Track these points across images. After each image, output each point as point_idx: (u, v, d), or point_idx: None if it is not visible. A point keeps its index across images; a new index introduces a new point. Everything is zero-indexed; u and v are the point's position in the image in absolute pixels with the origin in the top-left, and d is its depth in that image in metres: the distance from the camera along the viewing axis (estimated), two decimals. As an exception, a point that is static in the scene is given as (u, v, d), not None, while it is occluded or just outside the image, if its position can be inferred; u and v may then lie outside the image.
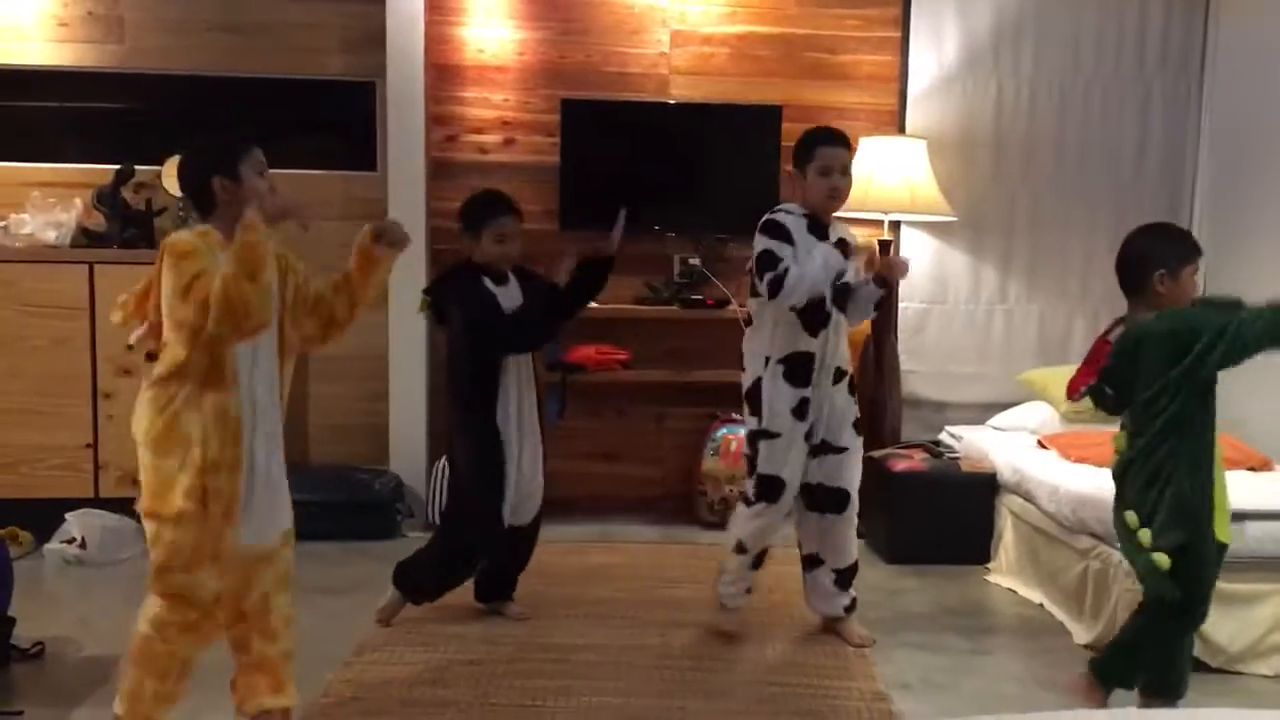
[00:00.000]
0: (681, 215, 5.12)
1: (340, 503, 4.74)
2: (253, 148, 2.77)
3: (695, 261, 5.12)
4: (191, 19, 5.02)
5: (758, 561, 3.67)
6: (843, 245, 3.48)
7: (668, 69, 5.20)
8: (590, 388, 5.13)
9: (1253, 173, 4.87)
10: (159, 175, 4.84)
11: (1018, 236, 5.30)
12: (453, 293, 3.66)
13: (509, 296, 3.65)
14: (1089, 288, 5.24)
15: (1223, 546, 2.93)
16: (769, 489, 3.51)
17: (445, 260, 4.71)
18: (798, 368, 3.45)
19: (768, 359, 3.48)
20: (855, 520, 3.64)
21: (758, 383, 3.50)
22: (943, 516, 4.58)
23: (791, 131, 5.10)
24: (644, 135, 5.18)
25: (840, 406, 3.54)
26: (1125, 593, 3.46)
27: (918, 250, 5.30)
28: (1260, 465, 4.19)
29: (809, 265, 3.32)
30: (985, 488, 4.60)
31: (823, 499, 3.56)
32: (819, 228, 3.45)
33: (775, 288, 3.32)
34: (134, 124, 5.16)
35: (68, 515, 4.48)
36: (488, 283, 3.64)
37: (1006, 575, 4.39)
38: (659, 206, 5.10)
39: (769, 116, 5.11)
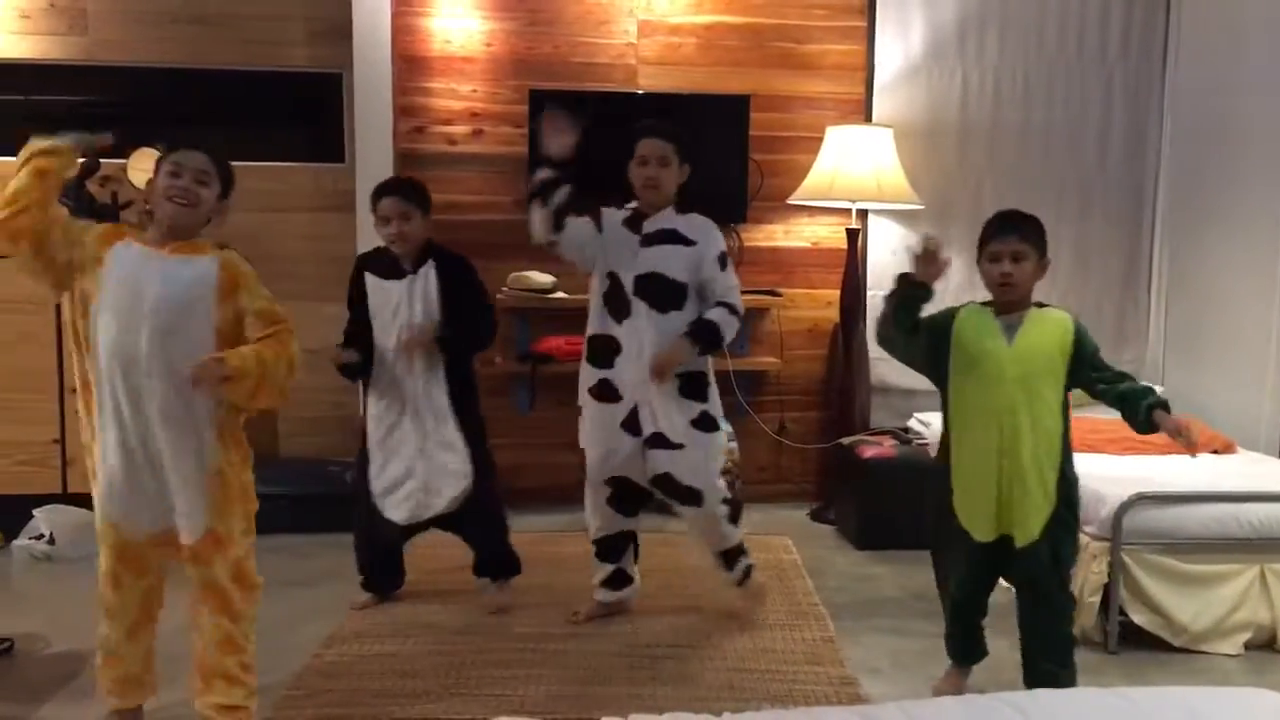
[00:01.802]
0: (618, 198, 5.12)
1: (311, 495, 4.73)
2: (180, 149, 2.80)
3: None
4: (155, 10, 4.98)
5: (608, 550, 3.70)
6: (672, 236, 3.46)
7: (635, 59, 5.21)
8: (559, 378, 5.11)
9: (1215, 158, 4.92)
10: (124, 169, 4.79)
11: (983, 223, 5.31)
12: None
13: (398, 291, 3.62)
14: (1054, 273, 5.22)
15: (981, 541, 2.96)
16: (584, 463, 3.59)
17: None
18: (599, 348, 3.50)
19: (585, 340, 3.58)
20: (720, 511, 3.57)
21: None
22: (911, 502, 4.56)
23: (760, 121, 5.15)
24: (612, 126, 5.16)
25: (665, 403, 3.46)
26: (1092, 575, 3.50)
27: (885, 238, 5.33)
28: (1223, 448, 4.25)
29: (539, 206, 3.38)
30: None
31: (676, 492, 3.51)
32: (635, 221, 3.49)
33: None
34: (98, 117, 5.10)
35: (35, 511, 4.46)
36: (369, 277, 3.67)
37: (974, 560, 4.42)
38: (627, 197, 5.09)
39: (737, 106, 5.13)
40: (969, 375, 2.93)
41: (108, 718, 2.81)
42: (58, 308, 4.55)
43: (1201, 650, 3.52)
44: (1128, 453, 4.08)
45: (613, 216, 3.53)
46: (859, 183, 4.89)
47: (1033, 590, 2.96)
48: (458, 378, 3.68)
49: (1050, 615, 2.96)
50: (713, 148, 5.11)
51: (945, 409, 3.07)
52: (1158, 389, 4.95)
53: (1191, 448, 2.80)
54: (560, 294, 5.03)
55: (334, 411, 5.12)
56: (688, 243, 3.46)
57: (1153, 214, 5.40)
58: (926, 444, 4.82)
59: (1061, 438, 2.92)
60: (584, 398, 3.58)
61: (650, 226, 3.48)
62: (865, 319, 5.24)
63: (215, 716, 2.81)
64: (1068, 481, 2.94)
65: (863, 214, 5.23)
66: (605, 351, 3.49)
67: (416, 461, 3.66)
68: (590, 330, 3.55)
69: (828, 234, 5.34)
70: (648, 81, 5.20)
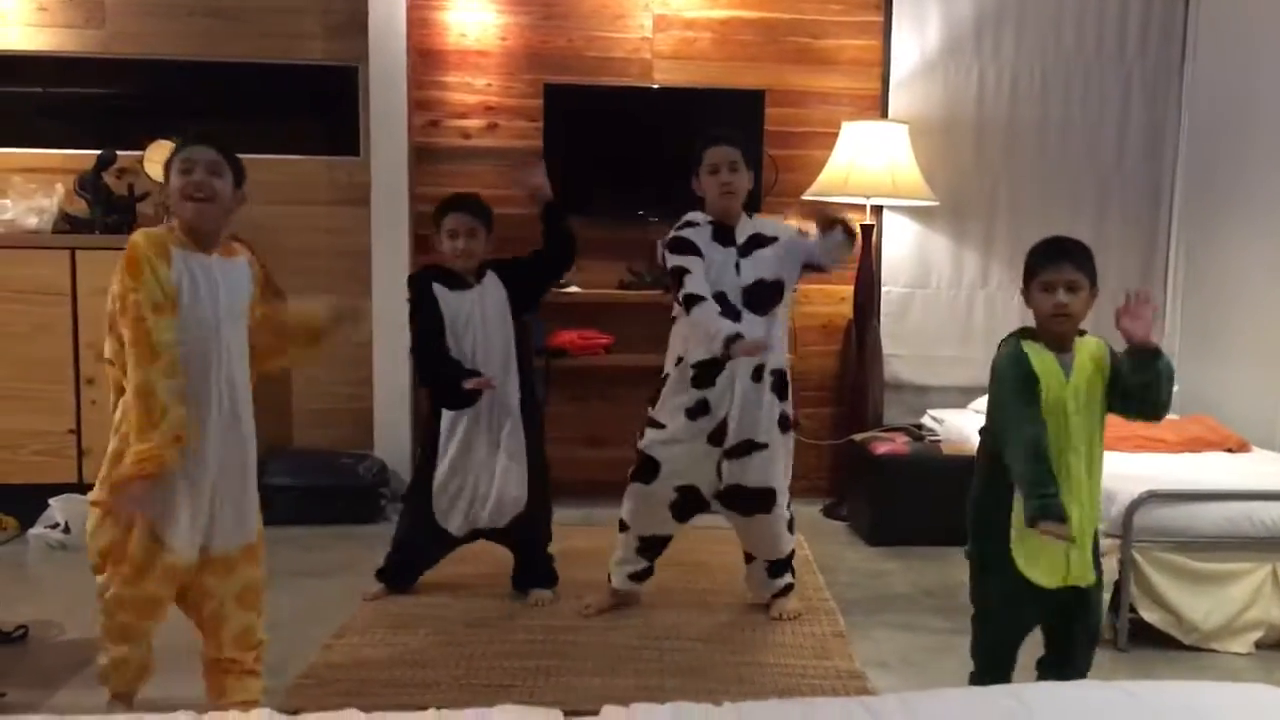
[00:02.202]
0: (664, 200, 5.12)
1: (324, 487, 4.76)
2: (186, 145, 2.72)
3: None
4: (171, 3, 5.02)
5: (648, 547, 3.69)
6: (759, 240, 3.48)
7: (650, 54, 5.21)
8: (574, 372, 5.14)
9: (1234, 155, 4.90)
10: (141, 160, 4.83)
11: (999, 220, 5.32)
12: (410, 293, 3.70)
13: (469, 301, 3.64)
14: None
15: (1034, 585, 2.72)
16: (643, 469, 3.56)
17: (428, 246, 4.72)
18: (704, 372, 3.46)
19: (680, 358, 3.51)
20: (785, 515, 3.62)
21: (666, 377, 3.57)
22: (924, 499, 4.59)
23: (775, 116, 5.15)
24: (627, 120, 5.18)
25: (755, 403, 3.46)
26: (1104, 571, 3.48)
27: (900, 234, 5.32)
28: (1237, 447, 4.23)
29: (707, 315, 3.30)
30: (966, 470, 4.53)
31: (747, 500, 3.53)
32: (724, 233, 3.47)
33: (687, 309, 3.37)
34: (115, 109, 5.15)
35: (51, 500, 4.49)
36: (437, 288, 3.65)
37: (986, 557, 4.41)
38: (642, 191, 5.11)
39: (752, 101, 5.12)
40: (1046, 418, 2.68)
41: (110, 704, 2.82)
42: (74, 299, 4.59)
43: (1212, 649, 3.51)
44: (1140, 450, 4.06)
45: (699, 236, 3.47)
46: (874, 178, 4.88)
47: (1091, 620, 2.80)
48: (525, 385, 3.73)
49: (1094, 638, 2.85)
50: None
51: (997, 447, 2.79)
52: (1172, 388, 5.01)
53: None
54: (574, 288, 5.04)
55: (347, 404, 5.15)
56: (773, 240, 3.48)
57: (1169, 211, 5.37)
58: (939, 440, 4.82)
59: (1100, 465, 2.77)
60: (669, 416, 3.52)
61: (741, 236, 3.47)
62: (879, 315, 5.25)
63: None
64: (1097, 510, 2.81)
65: (878, 210, 5.22)
66: (712, 373, 3.45)
67: (482, 473, 3.68)
68: (694, 357, 3.47)
69: (842, 230, 5.32)
70: (663, 76, 5.20)
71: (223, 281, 2.69)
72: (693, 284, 3.38)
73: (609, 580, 3.75)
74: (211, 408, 2.68)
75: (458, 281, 3.67)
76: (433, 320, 3.62)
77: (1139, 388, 2.64)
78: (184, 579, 2.73)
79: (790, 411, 3.60)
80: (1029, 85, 5.28)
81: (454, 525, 3.73)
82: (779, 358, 3.53)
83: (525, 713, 1.97)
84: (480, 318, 3.65)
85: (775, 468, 3.54)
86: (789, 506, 3.64)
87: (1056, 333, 2.70)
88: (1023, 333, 2.77)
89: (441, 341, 3.61)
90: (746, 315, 3.41)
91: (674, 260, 3.45)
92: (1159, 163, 5.35)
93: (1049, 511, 2.51)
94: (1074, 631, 2.81)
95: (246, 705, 2.76)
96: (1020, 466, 2.61)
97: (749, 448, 3.48)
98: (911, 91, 5.25)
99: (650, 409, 3.60)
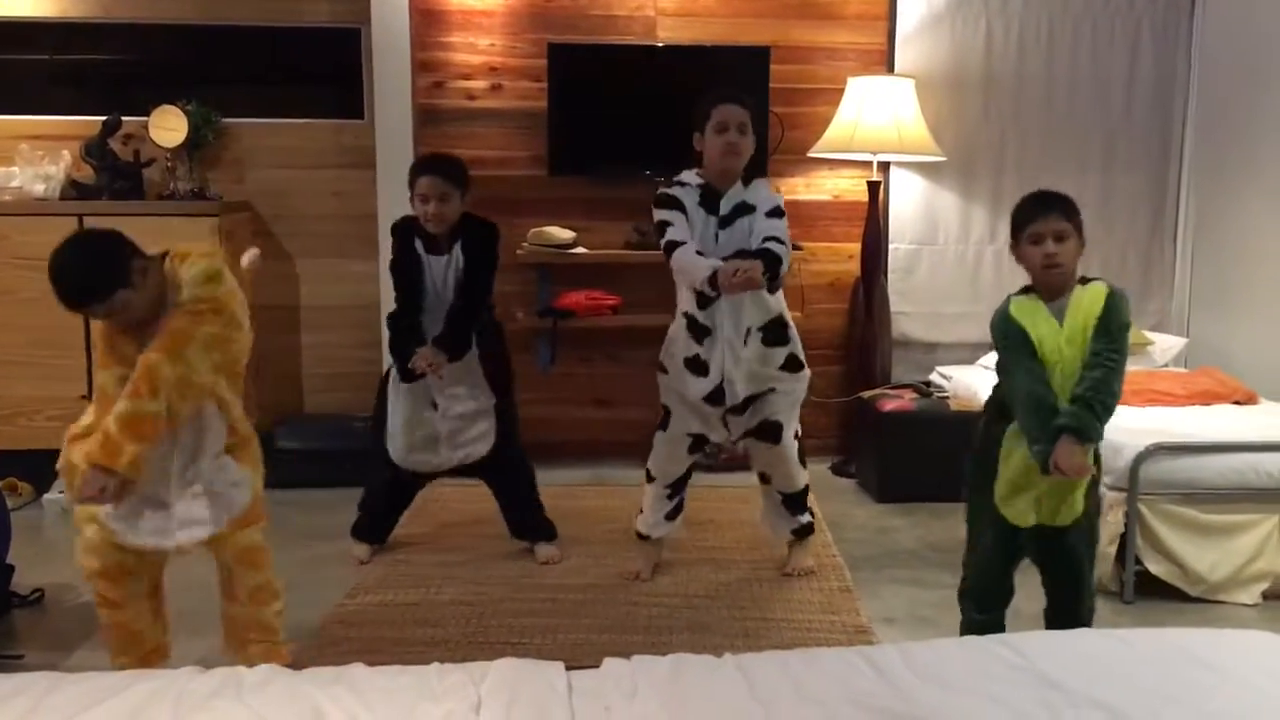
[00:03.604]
0: (670, 159, 5.09)
1: (334, 450, 4.79)
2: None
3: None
4: (176, -32, 5.00)
5: (674, 490, 3.71)
6: (742, 209, 3.43)
7: (654, 10, 5.17)
8: (581, 334, 5.15)
9: (1244, 107, 4.85)
10: (146, 126, 4.83)
11: (1007, 175, 5.28)
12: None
13: (440, 265, 3.64)
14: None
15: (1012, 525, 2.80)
16: (663, 418, 3.60)
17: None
18: (693, 327, 3.48)
19: (681, 312, 3.53)
20: (794, 449, 3.64)
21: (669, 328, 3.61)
22: (932, 455, 4.59)
23: (780, 73, 5.11)
24: (631, 79, 5.15)
25: (748, 361, 3.46)
26: (1108, 525, 3.49)
27: (907, 191, 5.30)
28: (1245, 399, 4.22)
29: (687, 257, 3.30)
30: (974, 427, 4.61)
31: (756, 430, 3.57)
32: (710, 199, 3.43)
33: (667, 255, 3.36)
34: (121, 75, 5.14)
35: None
36: (419, 245, 3.65)
37: (994, 512, 4.42)
38: (647, 151, 5.09)
39: (757, 58, 5.08)
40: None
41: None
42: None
43: (1219, 600, 3.52)
44: (1148, 404, 4.06)
45: (689, 199, 3.45)
46: (880, 134, 4.85)
47: (1073, 562, 2.82)
48: (486, 343, 3.73)
49: (1087, 578, 2.87)
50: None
51: (997, 400, 2.90)
52: (1182, 341, 4.99)
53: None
54: (580, 249, 5.04)
55: (358, 368, 5.17)
56: (753, 211, 3.43)
57: (1179, 164, 5.32)
58: (947, 397, 4.82)
59: None
60: (672, 364, 3.55)
61: (726, 206, 3.43)
62: (886, 272, 5.23)
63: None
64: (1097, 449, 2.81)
65: (884, 166, 5.19)
66: (698, 331, 3.46)
67: (438, 417, 3.70)
68: (684, 308, 3.50)
69: (849, 186, 5.31)
70: (667, 34, 5.17)
71: None
72: (673, 233, 3.36)
73: (643, 538, 3.75)
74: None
75: (433, 245, 3.66)
76: (415, 294, 3.63)
77: None
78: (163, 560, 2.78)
79: (798, 353, 3.59)
80: (1037, 38, 5.23)
81: (416, 464, 3.76)
82: (764, 314, 3.47)
83: (527, 665, 2.00)
84: (443, 283, 3.64)
85: (778, 403, 3.55)
86: (798, 440, 3.66)
87: (1050, 284, 2.74)
88: (1022, 291, 2.80)
89: (416, 319, 3.63)
90: None
91: (658, 214, 3.44)
92: (1168, 114, 5.29)
93: (1043, 464, 2.60)
94: (1053, 571, 2.86)
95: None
96: (1021, 420, 2.69)
97: (753, 400, 3.50)
98: (918, 46, 5.20)
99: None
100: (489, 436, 3.75)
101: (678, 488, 3.72)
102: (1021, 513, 2.77)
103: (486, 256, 3.68)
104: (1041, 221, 2.71)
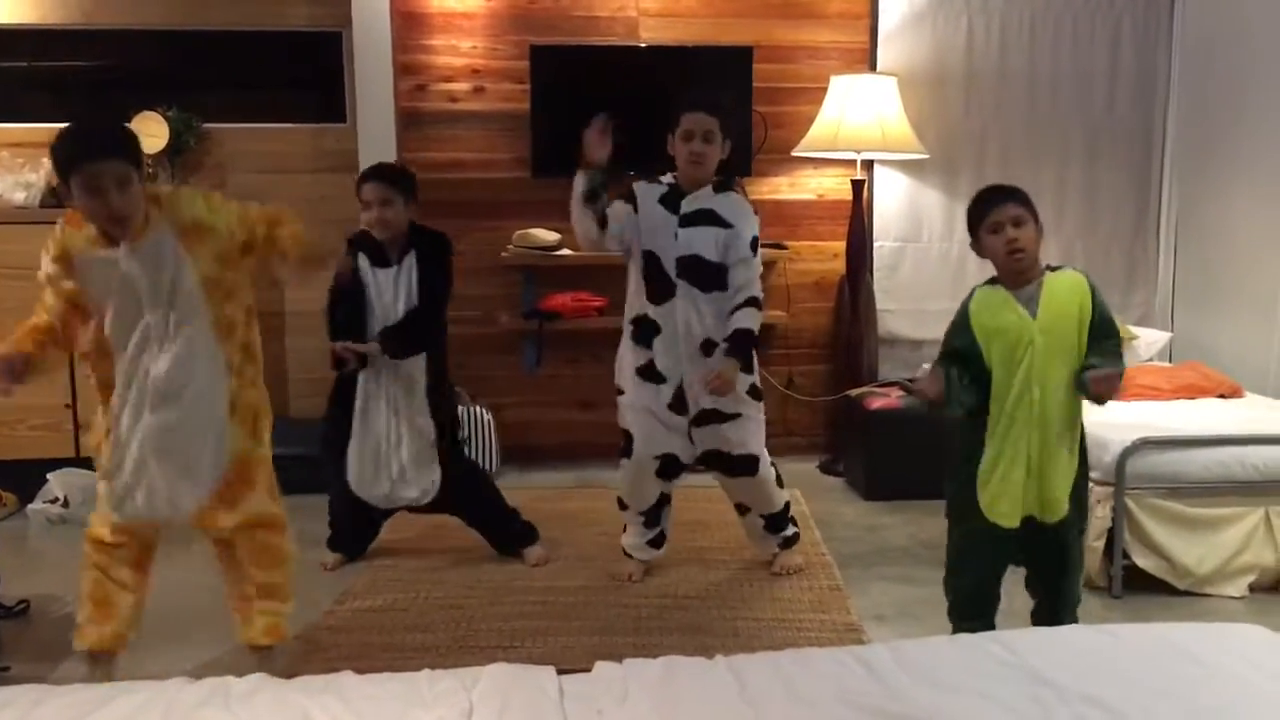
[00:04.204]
0: (654, 160, 5.08)
1: (320, 455, 4.75)
2: (85, 164, 2.51)
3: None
4: (154, -27, 4.97)
5: (652, 518, 3.68)
6: (709, 217, 3.42)
7: (636, 11, 5.16)
8: (567, 335, 5.14)
9: (1226, 101, 4.87)
10: (127, 133, 4.80)
11: (990, 172, 5.27)
12: None
13: (387, 278, 3.61)
14: (1063, 222, 5.25)
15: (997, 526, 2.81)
16: (626, 444, 3.56)
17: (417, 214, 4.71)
18: (642, 331, 3.47)
19: (628, 321, 3.54)
20: (772, 474, 3.62)
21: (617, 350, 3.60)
22: (919, 453, 4.57)
23: (763, 72, 5.12)
24: (615, 80, 5.14)
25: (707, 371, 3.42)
26: (1096, 519, 3.50)
27: (891, 188, 5.30)
28: (1230, 392, 4.24)
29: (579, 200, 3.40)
30: (959, 424, 4.62)
31: (731, 464, 3.53)
32: (673, 199, 3.44)
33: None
34: (101, 81, 5.11)
35: (49, 475, 4.51)
36: (361, 259, 3.62)
37: (982, 508, 4.43)
38: (631, 151, 5.06)
39: (740, 57, 5.09)
40: (1003, 358, 2.76)
41: (89, 668, 2.84)
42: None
43: (1206, 593, 3.53)
44: (1133, 398, 4.07)
45: (648, 193, 3.47)
46: (864, 133, 4.86)
47: (1061, 556, 2.85)
48: (436, 368, 3.69)
49: (1074, 574, 2.89)
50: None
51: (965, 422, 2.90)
52: (1166, 335, 5.01)
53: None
54: (565, 251, 5.02)
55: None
56: (725, 225, 3.42)
57: (1161, 159, 5.34)
58: (934, 394, 4.82)
59: (1080, 401, 2.81)
60: (626, 379, 3.54)
61: (689, 206, 3.43)
62: (871, 270, 5.24)
63: (262, 640, 2.88)
64: (1084, 437, 2.85)
65: (868, 164, 5.20)
66: (648, 333, 3.46)
67: (390, 449, 3.66)
68: (633, 311, 3.52)
69: (833, 185, 5.31)
70: (649, 34, 5.16)
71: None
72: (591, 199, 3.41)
73: (629, 556, 3.73)
74: (132, 390, 2.69)
75: (380, 257, 3.64)
76: (354, 291, 3.62)
77: None
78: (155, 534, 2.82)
79: (758, 381, 3.57)
80: (1018, 34, 5.24)
81: (373, 498, 3.73)
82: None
83: (517, 671, 1.99)
84: (392, 297, 3.61)
85: (750, 434, 3.52)
86: (771, 464, 3.64)
87: (1015, 271, 2.77)
88: (988, 282, 2.84)
89: (349, 308, 3.63)
90: (682, 286, 3.40)
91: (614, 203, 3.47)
92: (1150, 110, 5.32)
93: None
94: (1040, 566, 2.88)
95: (271, 632, 2.85)
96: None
97: (718, 417, 3.47)
98: (900, 44, 5.21)
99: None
100: (434, 478, 3.69)
101: (654, 517, 3.69)
102: (1008, 513, 2.78)
103: (441, 262, 3.67)
104: (998, 210, 2.76)
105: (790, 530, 3.77)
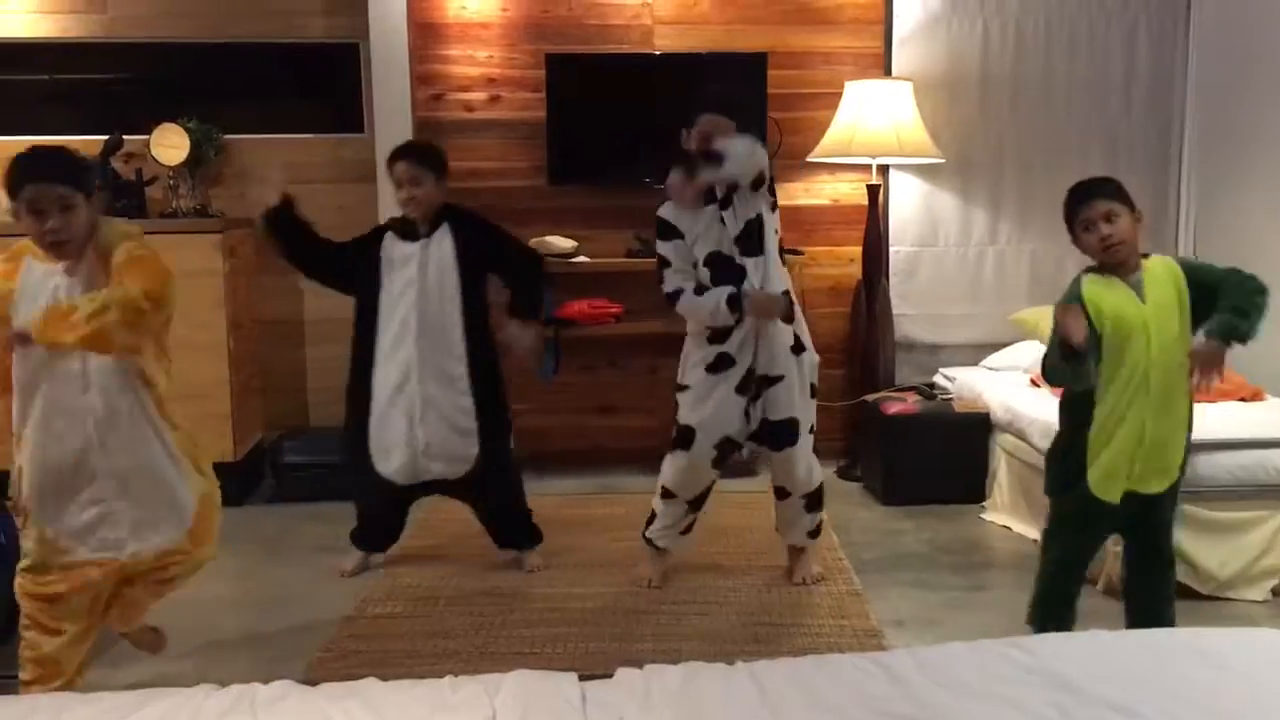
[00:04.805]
0: (669, 166, 5.10)
1: (340, 464, 4.77)
2: (28, 184, 2.56)
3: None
4: (173, -14, 5.02)
5: (695, 505, 3.70)
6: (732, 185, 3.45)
7: (651, 19, 5.18)
8: (584, 342, 5.15)
9: (1243, 102, 4.85)
10: (148, 145, 4.84)
11: (1007, 176, 5.29)
12: None
13: (413, 250, 3.66)
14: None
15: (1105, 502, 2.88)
16: (682, 437, 3.56)
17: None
18: (718, 330, 3.49)
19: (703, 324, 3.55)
20: (810, 445, 3.63)
21: (684, 339, 3.62)
22: (937, 457, 4.61)
23: (777, 78, 5.12)
24: (630, 88, 5.16)
25: (774, 341, 3.50)
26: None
27: (906, 193, 5.30)
28: (1251, 395, 4.22)
29: (693, 304, 3.44)
30: (979, 427, 4.63)
31: (774, 433, 3.54)
32: (707, 195, 3.46)
33: (672, 304, 3.49)
34: (120, 94, 5.16)
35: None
36: (388, 236, 3.72)
37: (1001, 513, 4.43)
38: (647, 159, 5.10)
39: (754, 64, 5.09)
40: (1115, 343, 2.81)
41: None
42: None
43: (1229, 597, 3.52)
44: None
45: (682, 217, 3.49)
46: (879, 138, 4.86)
47: (1163, 532, 2.95)
48: (476, 339, 3.69)
49: (1170, 560, 3.00)
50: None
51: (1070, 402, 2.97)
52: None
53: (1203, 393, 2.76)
54: (583, 258, 5.04)
55: (361, 380, 5.16)
56: (722, 159, 3.37)
57: (1179, 162, 5.32)
58: (951, 399, 4.82)
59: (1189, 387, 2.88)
60: (692, 375, 3.55)
61: (721, 189, 3.47)
62: (888, 275, 5.23)
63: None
64: (1192, 411, 2.94)
65: (883, 169, 5.20)
66: (727, 329, 3.47)
67: (418, 426, 3.65)
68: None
69: (849, 190, 5.32)
70: (664, 42, 5.18)
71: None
72: (670, 280, 3.48)
73: (653, 546, 3.72)
74: (74, 420, 2.66)
75: (410, 231, 3.70)
76: (358, 247, 3.77)
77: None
78: (102, 578, 2.74)
79: (801, 333, 3.59)
80: (1034, 38, 5.24)
81: (395, 472, 3.70)
82: (780, 287, 3.52)
83: (540, 677, 2.00)
84: (419, 265, 3.64)
85: (793, 395, 3.54)
86: (812, 431, 3.63)
87: (1114, 263, 2.84)
88: (1092, 269, 2.91)
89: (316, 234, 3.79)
90: (747, 262, 3.44)
91: (658, 246, 3.53)
92: (1167, 113, 5.30)
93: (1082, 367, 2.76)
94: (1148, 533, 2.94)
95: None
96: (1054, 374, 2.88)
97: (767, 382, 3.51)
98: (915, 48, 5.21)
99: (680, 373, 3.63)
100: (468, 458, 3.69)
101: (699, 503, 3.71)
102: (1112, 487, 2.85)
103: (493, 228, 3.77)
104: (1087, 208, 2.83)
105: (821, 515, 3.75)
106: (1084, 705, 1.82)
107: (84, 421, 2.64)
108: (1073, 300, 2.86)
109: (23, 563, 2.71)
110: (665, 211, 3.52)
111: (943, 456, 4.62)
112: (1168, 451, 2.86)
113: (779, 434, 3.55)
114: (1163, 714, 1.78)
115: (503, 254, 3.74)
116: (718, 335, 3.49)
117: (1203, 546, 3.53)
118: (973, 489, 4.61)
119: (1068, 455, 2.93)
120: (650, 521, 3.74)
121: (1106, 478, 2.85)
